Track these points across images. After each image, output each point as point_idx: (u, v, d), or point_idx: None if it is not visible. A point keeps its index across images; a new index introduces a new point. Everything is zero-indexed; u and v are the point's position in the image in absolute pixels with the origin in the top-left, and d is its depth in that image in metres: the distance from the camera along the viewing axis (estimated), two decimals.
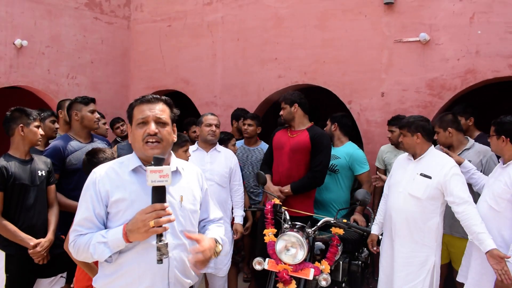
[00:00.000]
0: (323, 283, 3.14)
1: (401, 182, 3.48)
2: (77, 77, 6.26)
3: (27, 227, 3.13)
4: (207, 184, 2.33)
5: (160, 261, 1.81)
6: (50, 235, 3.22)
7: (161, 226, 1.80)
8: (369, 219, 4.41)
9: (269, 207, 3.54)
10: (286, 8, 5.53)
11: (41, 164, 3.29)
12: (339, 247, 3.39)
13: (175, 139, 2.08)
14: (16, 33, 5.66)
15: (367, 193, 3.45)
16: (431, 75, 4.74)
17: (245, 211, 3.76)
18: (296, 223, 3.40)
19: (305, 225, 3.36)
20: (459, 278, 3.52)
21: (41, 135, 3.27)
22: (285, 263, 3.17)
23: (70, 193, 3.52)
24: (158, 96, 2.04)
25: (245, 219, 4.31)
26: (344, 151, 4.41)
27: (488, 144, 4.05)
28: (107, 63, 6.61)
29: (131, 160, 2.02)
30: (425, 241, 3.37)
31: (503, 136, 3.26)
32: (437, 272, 3.40)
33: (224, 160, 4.10)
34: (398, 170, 3.59)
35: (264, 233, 3.46)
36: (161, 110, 1.99)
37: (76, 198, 3.13)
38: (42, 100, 6.27)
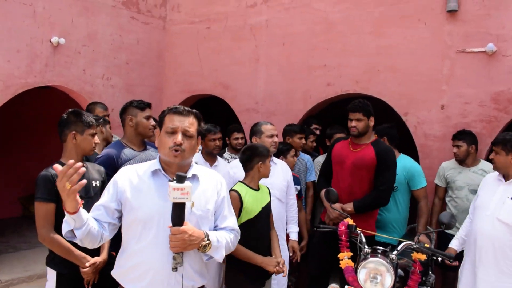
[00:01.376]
0: None
1: (489, 205, 3.22)
2: (112, 78, 6.02)
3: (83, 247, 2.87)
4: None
5: (175, 269, 2.03)
6: (104, 254, 2.94)
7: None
8: (430, 239, 4.15)
9: (343, 227, 3.27)
10: (337, 12, 5.29)
11: (95, 174, 3.01)
12: (430, 279, 3.15)
13: (198, 151, 2.36)
14: (53, 30, 5.41)
15: (452, 216, 3.19)
16: (497, 88, 4.48)
17: (315, 229, 3.49)
18: (377, 247, 3.13)
19: (387, 249, 3.10)
20: None
21: (96, 143, 3.01)
22: None
23: None
24: (190, 109, 2.20)
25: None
26: (400, 165, 4.12)
27: None
28: (142, 65, 6.36)
29: (152, 164, 2.22)
30: (511, 270, 3.11)
31: None
32: None
33: (281, 173, 3.85)
34: (487, 191, 3.32)
35: (339, 257, 3.19)
36: (190, 123, 2.17)
37: None
38: (74, 100, 6.01)
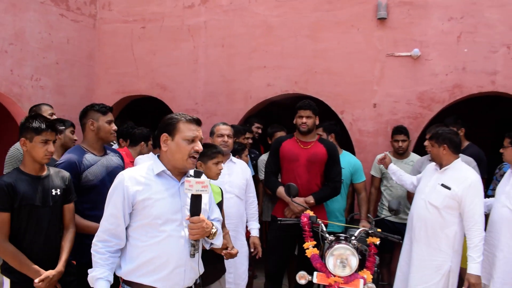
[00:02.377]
0: None
1: (424, 190, 3.73)
2: (41, 79, 5.69)
3: (36, 254, 2.76)
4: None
5: (193, 255, 2.25)
6: (60, 266, 2.83)
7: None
8: (371, 225, 4.56)
9: (306, 219, 3.50)
10: (276, 16, 5.54)
11: (58, 181, 2.89)
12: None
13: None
14: None
15: (400, 203, 3.59)
16: (422, 88, 5.03)
17: (279, 222, 3.67)
18: (340, 235, 3.41)
19: (348, 236, 3.39)
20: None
21: (50, 152, 2.82)
22: (334, 275, 3.17)
23: (86, 212, 3.14)
24: (199, 119, 2.37)
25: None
26: (345, 161, 4.51)
27: (476, 153, 4.45)
28: (72, 65, 6.09)
29: (155, 166, 2.30)
30: (441, 247, 3.62)
31: None
32: (453, 277, 3.64)
33: (241, 172, 3.99)
34: (425, 178, 3.83)
35: (304, 246, 3.42)
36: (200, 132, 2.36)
37: (94, 219, 2.97)
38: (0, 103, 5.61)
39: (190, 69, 5.91)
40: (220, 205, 3.41)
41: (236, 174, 3.93)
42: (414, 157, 4.79)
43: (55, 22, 5.85)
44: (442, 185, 3.60)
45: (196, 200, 2.23)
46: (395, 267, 4.47)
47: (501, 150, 3.79)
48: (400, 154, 4.76)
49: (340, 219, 4.50)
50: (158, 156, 2.37)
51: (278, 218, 3.76)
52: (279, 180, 4.24)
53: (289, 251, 4.17)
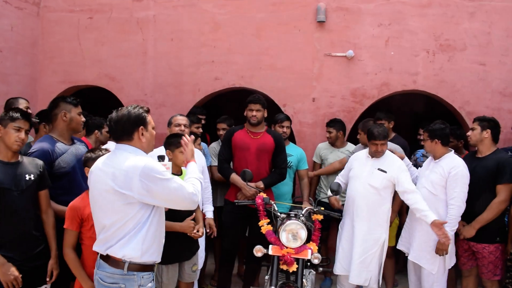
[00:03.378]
0: (316, 261, 3.71)
1: (362, 175, 4.32)
2: None
3: (8, 235, 2.96)
4: None
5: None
6: (54, 256, 3.15)
7: None
8: (313, 206, 5.11)
9: (260, 200, 3.95)
10: (223, 14, 5.89)
11: (31, 168, 3.10)
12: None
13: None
14: None
15: (339, 185, 4.14)
16: (355, 85, 5.66)
17: (236, 204, 4.07)
18: (290, 213, 3.89)
19: (297, 213, 3.88)
20: (399, 247, 4.50)
21: (21, 139, 3.02)
22: (287, 247, 3.65)
23: (59, 198, 3.36)
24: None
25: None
26: (293, 150, 5.03)
27: (402, 143, 5.14)
28: (16, 53, 6.02)
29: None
30: (379, 222, 4.28)
31: (436, 140, 4.25)
32: (385, 246, 4.32)
33: (197, 160, 4.32)
34: (359, 165, 4.40)
35: (259, 224, 3.86)
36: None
37: (66, 203, 3.22)
38: None
39: (139, 61, 6.10)
40: None
41: None
42: (350, 147, 5.39)
43: None
44: (379, 169, 4.23)
45: None
46: (332, 243, 5.08)
47: (422, 143, 4.49)
48: (330, 143, 5.36)
49: (288, 201, 4.99)
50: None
51: (235, 200, 4.17)
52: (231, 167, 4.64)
53: (242, 231, 4.59)
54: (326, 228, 5.31)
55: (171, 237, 3.59)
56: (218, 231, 4.59)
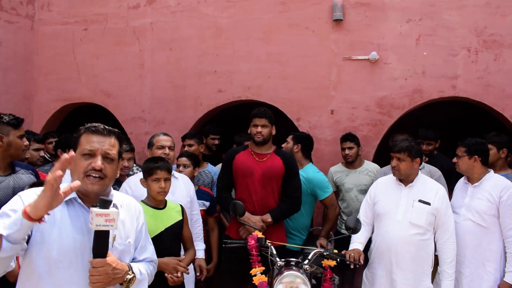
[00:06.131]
0: None
1: (398, 210, 3.33)
2: None
3: None
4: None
5: None
6: None
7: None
8: (332, 244, 4.21)
9: (253, 242, 3.12)
10: (226, 18, 5.17)
11: None
12: (334, 281, 3.12)
13: (118, 176, 1.97)
14: None
15: (358, 220, 3.23)
16: (380, 93, 4.76)
17: (224, 245, 3.28)
18: (290, 259, 3.04)
19: (299, 260, 3.03)
20: None
21: None
22: None
23: None
24: (111, 129, 1.93)
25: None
26: (303, 176, 4.11)
27: (444, 166, 4.20)
28: (7, 70, 5.55)
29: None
30: (424, 269, 3.31)
31: (475, 156, 3.35)
32: None
33: (184, 188, 3.58)
34: (389, 197, 3.42)
35: (251, 273, 3.04)
36: (111, 145, 1.88)
37: None
38: None
39: (135, 74, 5.47)
40: (176, 225, 3.04)
41: (180, 191, 3.52)
42: (369, 165, 4.48)
43: None
44: (420, 201, 3.29)
45: (99, 238, 1.75)
46: (358, 284, 4.14)
47: (454, 160, 3.53)
48: (349, 162, 4.46)
49: (301, 237, 4.14)
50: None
51: (224, 240, 3.37)
52: (233, 196, 3.85)
53: (244, 275, 3.76)
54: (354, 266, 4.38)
55: None
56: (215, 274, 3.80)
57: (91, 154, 1.82)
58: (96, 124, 1.90)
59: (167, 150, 3.58)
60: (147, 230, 2.17)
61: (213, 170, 4.45)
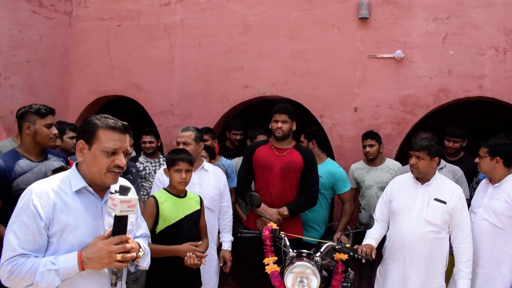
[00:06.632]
0: None
1: (413, 208, 3.36)
2: (11, 78, 5.44)
3: None
4: None
5: (114, 284, 1.93)
6: None
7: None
8: (348, 237, 4.28)
9: (267, 232, 3.23)
10: (254, 15, 5.28)
11: None
12: (349, 276, 3.20)
13: None
14: None
15: (371, 216, 3.29)
16: (405, 92, 4.76)
17: (239, 234, 3.41)
18: (302, 250, 3.13)
19: (311, 252, 3.11)
20: None
21: None
22: None
23: None
24: (127, 125, 2.01)
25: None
26: (325, 169, 4.23)
27: (469, 167, 4.18)
28: (45, 64, 5.85)
29: (74, 180, 1.94)
30: (438, 267, 3.34)
31: (497, 157, 3.33)
32: None
33: (213, 180, 3.72)
34: (406, 195, 3.44)
35: (264, 262, 3.15)
36: (129, 142, 2.06)
37: None
38: None
39: (166, 69, 5.66)
40: (195, 214, 3.20)
41: (208, 183, 3.67)
42: (390, 163, 4.51)
43: (26, 19, 5.59)
44: (436, 199, 3.32)
45: (120, 222, 1.90)
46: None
47: (476, 160, 3.51)
48: (370, 160, 4.49)
49: (317, 230, 4.23)
50: (77, 165, 2.01)
51: (240, 230, 3.49)
52: (253, 188, 3.97)
53: (259, 263, 3.88)
54: (370, 262, 4.44)
55: (163, 268, 3.08)
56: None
57: (115, 152, 1.92)
58: (113, 120, 1.97)
59: (181, 146, 3.68)
60: (139, 209, 2.27)
61: (226, 163, 4.60)
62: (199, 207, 3.25)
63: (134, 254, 1.93)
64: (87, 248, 1.85)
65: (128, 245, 1.88)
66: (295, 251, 3.12)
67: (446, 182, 3.40)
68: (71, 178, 1.95)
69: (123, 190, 1.90)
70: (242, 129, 5.22)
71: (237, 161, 4.68)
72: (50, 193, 1.87)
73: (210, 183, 3.65)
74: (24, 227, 1.79)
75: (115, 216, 1.88)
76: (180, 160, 3.15)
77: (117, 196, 1.86)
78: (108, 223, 1.97)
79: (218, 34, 5.43)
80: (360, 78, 4.90)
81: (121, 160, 1.94)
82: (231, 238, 3.80)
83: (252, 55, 5.29)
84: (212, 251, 3.61)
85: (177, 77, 5.61)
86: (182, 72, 5.59)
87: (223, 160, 4.66)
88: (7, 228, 1.84)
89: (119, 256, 1.85)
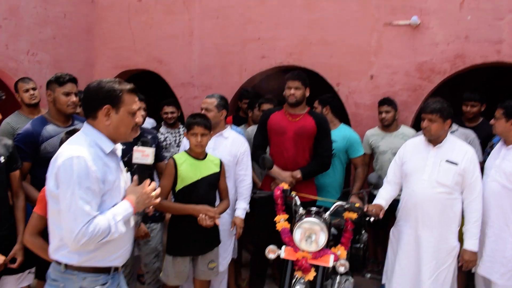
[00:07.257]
0: (341, 269, 3.04)
1: (425, 169, 3.41)
2: (38, 54, 5.70)
3: None
4: None
5: (137, 223, 2.46)
6: (20, 242, 2.80)
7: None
8: (363, 201, 4.37)
9: (279, 192, 3.37)
10: None
11: (1, 149, 2.84)
12: (362, 237, 3.31)
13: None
14: None
15: (379, 177, 3.39)
16: (421, 59, 4.75)
17: (253, 195, 3.55)
18: (311, 208, 3.26)
19: (320, 210, 3.24)
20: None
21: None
22: (303, 251, 3.04)
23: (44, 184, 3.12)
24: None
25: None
26: (340, 134, 4.34)
27: (486, 132, 4.18)
28: (70, 39, 6.07)
29: (103, 143, 2.12)
30: (451, 227, 3.40)
31: None
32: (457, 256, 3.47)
33: (229, 147, 3.81)
34: (417, 157, 3.49)
35: (275, 220, 3.29)
36: None
37: None
38: None
39: (185, 41, 5.79)
40: (212, 177, 3.37)
41: (223, 149, 3.77)
42: (405, 130, 4.55)
43: None
44: (448, 161, 3.36)
45: (143, 170, 2.33)
46: None
47: (492, 121, 3.52)
48: (385, 126, 4.54)
49: (333, 194, 4.34)
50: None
51: (253, 191, 3.64)
52: (268, 153, 4.09)
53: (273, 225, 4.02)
54: (384, 226, 4.54)
55: (182, 225, 3.28)
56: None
57: (135, 113, 2.20)
58: (131, 84, 2.19)
59: (203, 111, 3.80)
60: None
61: (236, 130, 4.68)
62: (218, 170, 3.40)
63: (158, 190, 2.30)
64: (130, 196, 2.17)
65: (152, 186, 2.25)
66: (304, 209, 3.26)
67: (457, 144, 3.42)
68: (98, 141, 2.10)
69: (143, 143, 2.48)
70: (250, 98, 5.30)
71: (252, 129, 4.78)
72: (97, 158, 2.03)
73: (226, 149, 3.76)
74: (90, 191, 1.97)
75: (136, 165, 2.36)
76: (196, 124, 3.30)
77: (135, 147, 2.39)
78: (123, 176, 2.27)
79: (235, 5, 5.51)
80: (375, 46, 4.91)
81: (139, 118, 2.35)
82: (245, 206, 3.80)
83: (268, 26, 5.35)
84: (225, 215, 3.65)
85: (196, 49, 5.74)
86: (201, 44, 5.71)
87: (234, 127, 4.75)
88: (69, 197, 1.94)
89: (153, 194, 2.25)
